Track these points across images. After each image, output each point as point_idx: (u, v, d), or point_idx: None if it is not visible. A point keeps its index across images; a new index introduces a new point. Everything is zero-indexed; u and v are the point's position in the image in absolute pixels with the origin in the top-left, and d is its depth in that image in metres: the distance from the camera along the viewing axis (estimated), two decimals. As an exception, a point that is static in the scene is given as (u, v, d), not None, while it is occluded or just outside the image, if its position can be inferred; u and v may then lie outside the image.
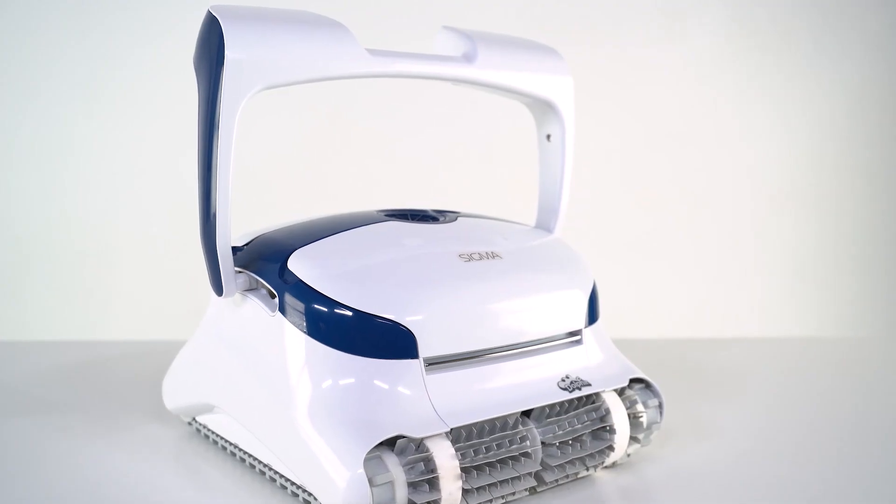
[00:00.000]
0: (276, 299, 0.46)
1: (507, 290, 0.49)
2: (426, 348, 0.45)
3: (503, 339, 0.48)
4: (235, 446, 0.52)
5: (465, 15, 1.06)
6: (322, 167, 1.07)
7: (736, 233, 1.23)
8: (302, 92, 0.96)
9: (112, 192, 1.09)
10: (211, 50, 0.44)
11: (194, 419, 0.56)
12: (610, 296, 1.15)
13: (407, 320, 0.44)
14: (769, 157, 1.22)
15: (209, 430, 0.55)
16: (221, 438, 0.53)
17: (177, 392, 0.56)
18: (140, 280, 1.11)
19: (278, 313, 0.46)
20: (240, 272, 0.49)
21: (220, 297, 0.48)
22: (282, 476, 0.47)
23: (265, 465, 0.49)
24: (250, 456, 0.50)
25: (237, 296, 0.49)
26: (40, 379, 0.72)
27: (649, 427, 0.53)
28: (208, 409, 0.53)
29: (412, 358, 0.45)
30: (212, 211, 0.45)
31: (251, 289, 0.49)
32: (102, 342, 0.88)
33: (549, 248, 0.56)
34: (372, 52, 0.49)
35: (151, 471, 0.51)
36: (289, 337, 0.45)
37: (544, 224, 0.62)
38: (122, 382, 0.70)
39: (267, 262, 0.48)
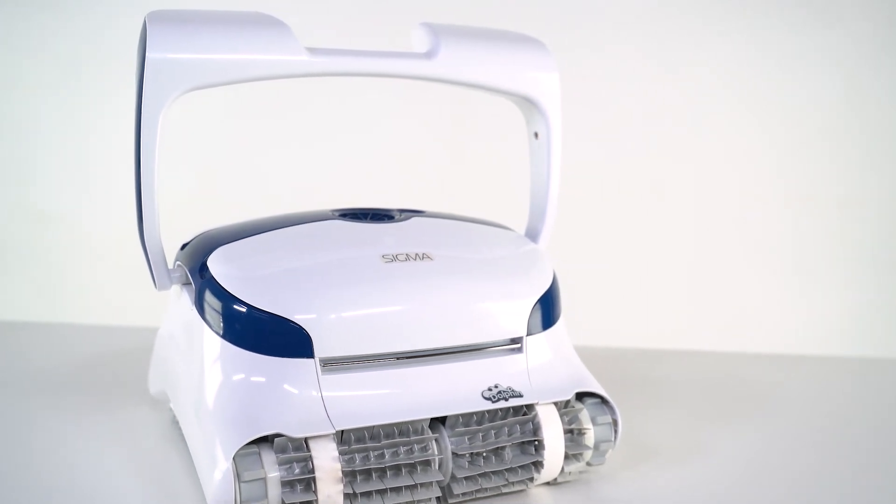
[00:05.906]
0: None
1: (423, 292, 0.47)
2: (323, 348, 0.44)
3: (418, 343, 0.47)
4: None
5: (476, 9, 0.96)
6: (322, 167, 1.02)
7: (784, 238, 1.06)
8: (309, 87, 0.92)
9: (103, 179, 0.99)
10: (140, 53, 0.46)
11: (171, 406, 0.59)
12: (646, 304, 1.05)
13: (299, 318, 0.44)
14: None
15: (176, 417, 0.57)
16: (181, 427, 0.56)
17: (151, 377, 0.59)
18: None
19: (194, 307, 0.47)
20: (180, 266, 0.51)
21: (156, 290, 0.50)
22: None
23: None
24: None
25: (176, 288, 0.51)
26: (67, 360, 0.73)
27: (598, 446, 0.50)
28: (167, 396, 0.55)
29: (307, 357, 0.44)
30: (142, 208, 0.47)
31: (187, 283, 0.50)
32: (122, 328, 0.87)
33: (499, 251, 0.53)
34: (312, 50, 0.49)
35: (114, 456, 0.54)
36: (201, 331, 0.46)
37: (532, 228, 0.59)
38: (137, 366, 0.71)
39: (197, 257, 0.49)
